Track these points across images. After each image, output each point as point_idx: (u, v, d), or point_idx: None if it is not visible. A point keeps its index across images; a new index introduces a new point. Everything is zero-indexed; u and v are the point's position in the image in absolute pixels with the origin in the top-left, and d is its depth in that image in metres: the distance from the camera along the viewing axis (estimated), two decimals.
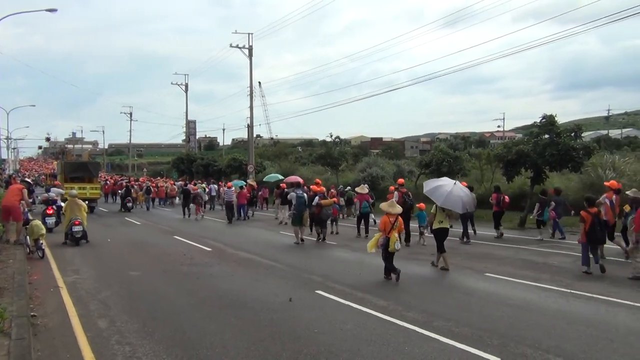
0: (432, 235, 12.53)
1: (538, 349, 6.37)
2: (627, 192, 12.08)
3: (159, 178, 55.61)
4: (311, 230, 17.68)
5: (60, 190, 21.52)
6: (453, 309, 8.35)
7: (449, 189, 11.97)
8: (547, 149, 21.05)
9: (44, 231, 13.78)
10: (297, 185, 18.47)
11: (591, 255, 11.37)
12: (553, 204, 16.55)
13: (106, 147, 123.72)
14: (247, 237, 18.89)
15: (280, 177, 31.88)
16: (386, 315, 7.86)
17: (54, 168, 42.56)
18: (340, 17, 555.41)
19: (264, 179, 35.35)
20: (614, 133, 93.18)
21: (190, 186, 30.89)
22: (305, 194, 16.90)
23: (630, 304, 8.58)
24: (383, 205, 11.22)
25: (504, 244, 15.93)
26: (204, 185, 34.68)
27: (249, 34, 42.51)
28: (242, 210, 25.57)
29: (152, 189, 36.01)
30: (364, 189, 18.62)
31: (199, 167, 53.28)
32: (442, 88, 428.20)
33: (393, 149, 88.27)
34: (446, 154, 27.47)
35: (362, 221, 18.20)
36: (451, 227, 12.81)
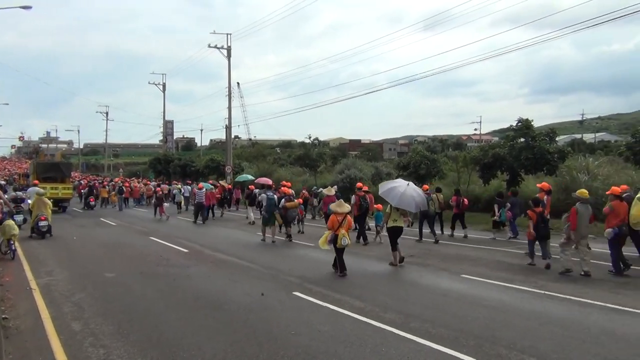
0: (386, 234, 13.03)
1: (513, 349, 6.45)
2: (573, 194, 12.58)
3: (134, 178, 54.95)
4: (280, 230, 17.82)
5: (40, 190, 21.27)
6: (429, 310, 8.42)
7: (402, 190, 12.66)
8: (522, 153, 21.39)
9: (16, 231, 13.65)
10: (267, 187, 19.28)
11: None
12: (509, 204, 17.09)
13: (82, 146, 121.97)
14: (223, 238, 18.81)
15: (251, 178, 31.94)
16: (363, 317, 7.88)
17: (27, 168, 42.08)
18: (320, 19, 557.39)
19: (234, 180, 35.47)
20: (588, 137, 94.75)
21: (164, 186, 30.93)
22: (275, 196, 17.60)
23: (602, 305, 8.73)
24: (332, 206, 12.09)
25: (479, 245, 16.08)
26: (179, 186, 34.57)
27: (227, 34, 42.45)
28: (210, 211, 26.08)
29: (124, 189, 35.66)
30: (331, 190, 19.22)
31: (176, 168, 52.87)
32: (421, 91, 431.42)
33: (371, 151, 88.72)
34: (424, 157, 27.59)
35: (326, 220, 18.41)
36: (411, 226, 14.08)
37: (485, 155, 22.95)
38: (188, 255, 14.37)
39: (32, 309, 8.50)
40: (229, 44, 42.16)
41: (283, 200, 17.39)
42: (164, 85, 62.39)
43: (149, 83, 62.69)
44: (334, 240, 11.38)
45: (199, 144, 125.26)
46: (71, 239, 17.76)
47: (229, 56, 42.37)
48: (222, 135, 73.18)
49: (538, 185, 15.76)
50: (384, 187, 13.35)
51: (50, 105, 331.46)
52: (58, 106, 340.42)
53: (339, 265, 11.37)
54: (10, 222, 13.83)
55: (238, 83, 67.99)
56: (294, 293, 9.56)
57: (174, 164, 54.12)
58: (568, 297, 9.30)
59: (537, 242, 12.52)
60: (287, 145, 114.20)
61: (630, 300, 9.09)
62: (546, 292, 9.65)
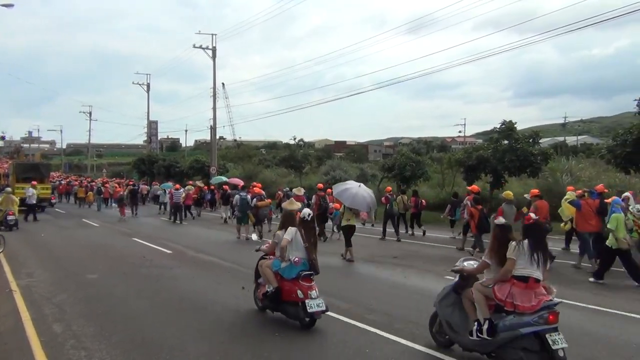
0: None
1: None
2: (524, 196, 13.90)
3: (115, 179, 54.60)
4: (254, 228, 17.86)
5: (8, 189, 22.52)
6: (414, 311, 8.43)
7: (355, 191, 13.54)
8: (506, 155, 21.57)
9: None
10: (240, 187, 20.34)
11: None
12: (463, 204, 17.31)
13: (64, 147, 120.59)
14: (205, 238, 18.77)
15: (225, 179, 32.09)
16: (348, 318, 7.89)
17: (8, 168, 42.17)
18: (306, 20, 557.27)
19: (209, 181, 35.69)
20: (571, 140, 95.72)
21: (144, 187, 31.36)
22: (248, 195, 18.64)
23: (584, 306, 8.85)
24: (284, 204, 12.06)
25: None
26: (159, 186, 34.80)
27: (212, 34, 42.28)
28: (187, 211, 26.77)
29: (103, 190, 35.45)
30: (300, 190, 20.33)
31: (160, 169, 52.49)
32: (406, 93, 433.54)
33: (356, 152, 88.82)
34: (409, 158, 27.67)
35: None
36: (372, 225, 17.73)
37: (470, 158, 23.09)
38: (171, 256, 14.27)
39: (12, 310, 8.38)
40: (214, 45, 42.05)
41: (255, 199, 18.16)
42: (148, 86, 61.92)
43: (133, 83, 62.11)
44: None
45: (183, 145, 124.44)
46: (51, 241, 17.53)
47: (214, 57, 42.23)
48: (207, 136, 72.77)
49: (468, 187, 17.64)
50: (338, 188, 14.18)
51: (33, 104, 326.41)
52: (41, 106, 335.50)
53: None
54: None
55: (223, 84, 67.35)
56: None
57: (158, 164, 53.72)
58: None
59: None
60: (272, 146, 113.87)
61: (610, 301, 9.24)
62: None
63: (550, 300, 5.80)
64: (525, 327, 5.61)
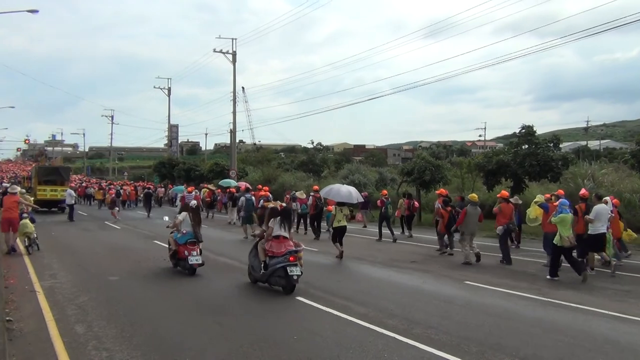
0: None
1: (516, 356, 6.43)
2: (510, 200, 14.56)
3: (124, 181, 55.68)
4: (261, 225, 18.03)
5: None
6: (433, 316, 8.39)
7: (338, 187, 16.13)
8: (526, 159, 21.36)
9: (29, 229, 15.04)
10: (245, 190, 21.42)
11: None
12: (436, 207, 17.59)
13: (87, 150, 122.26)
14: (221, 240, 19.01)
15: (234, 182, 32.39)
16: (366, 323, 7.87)
17: (30, 171, 43.79)
18: (324, 26, 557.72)
19: (218, 184, 36.20)
20: (593, 144, 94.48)
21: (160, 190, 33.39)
22: (253, 197, 20.11)
23: (606, 313, 8.71)
24: (269, 204, 14.43)
25: (483, 252, 16.02)
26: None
27: (232, 39, 42.66)
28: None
29: (121, 192, 36.88)
30: (302, 194, 22.64)
31: (180, 172, 52.92)
32: (425, 97, 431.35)
33: (375, 156, 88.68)
34: (428, 162, 27.47)
35: (302, 220, 22.47)
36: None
37: (490, 162, 22.92)
38: None
39: (36, 311, 8.52)
40: (234, 49, 42.40)
41: (262, 200, 18.97)
42: (169, 90, 62.51)
43: (154, 87, 62.76)
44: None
45: (203, 148, 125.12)
46: (78, 243, 17.78)
47: (234, 61, 42.54)
48: (226, 140, 73.40)
49: (437, 192, 19.01)
50: (324, 190, 16.70)
51: (56, 108, 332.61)
52: (64, 110, 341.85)
53: None
54: (24, 221, 15.12)
55: (243, 88, 68.34)
56: (297, 298, 9.55)
57: (178, 167, 54.19)
58: (572, 305, 9.28)
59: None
60: (291, 150, 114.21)
61: (634, 308, 9.07)
62: (550, 300, 9.63)
63: (293, 248, 10.08)
64: (278, 264, 9.83)
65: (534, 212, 14.26)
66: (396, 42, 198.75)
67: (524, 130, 22.91)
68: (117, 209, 29.47)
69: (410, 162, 32.30)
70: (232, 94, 43.40)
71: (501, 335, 7.36)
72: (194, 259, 11.61)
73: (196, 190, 29.13)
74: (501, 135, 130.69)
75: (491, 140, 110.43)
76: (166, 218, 15.51)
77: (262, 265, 10.12)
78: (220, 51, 42.40)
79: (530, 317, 8.42)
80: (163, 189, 43.10)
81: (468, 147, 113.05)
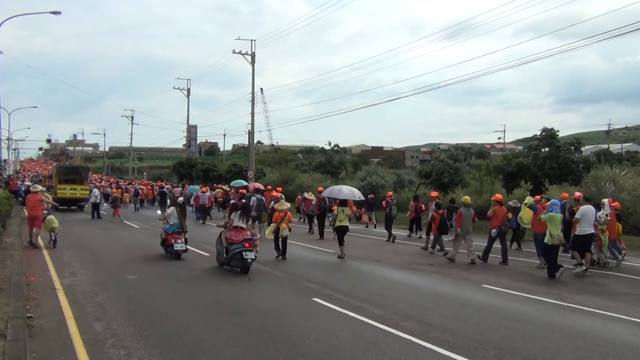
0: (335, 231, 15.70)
1: None
2: (509, 202, 15.22)
3: (143, 181, 56.34)
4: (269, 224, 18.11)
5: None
6: (449, 319, 8.35)
7: (340, 187, 17.21)
8: (547, 162, 21.14)
9: (55, 225, 15.87)
10: (256, 190, 21.93)
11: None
12: (431, 209, 17.72)
13: (107, 150, 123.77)
14: None
15: (245, 183, 32.59)
16: (382, 325, 7.85)
17: (51, 170, 44.70)
18: (343, 27, 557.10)
19: (230, 184, 36.52)
20: (615, 147, 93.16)
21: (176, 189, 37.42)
22: (263, 198, 20.48)
23: (627, 319, 8.58)
24: (275, 205, 15.70)
25: (498, 255, 15.89)
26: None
27: (252, 40, 42.77)
28: (207, 213, 28.74)
29: (140, 192, 38.52)
30: (311, 195, 23.76)
31: (199, 172, 53.30)
32: (444, 99, 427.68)
33: (393, 158, 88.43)
34: (447, 165, 27.27)
35: (307, 219, 23.66)
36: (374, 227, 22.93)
37: (509, 164, 22.73)
38: (209, 259, 14.43)
39: (56, 308, 8.64)
40: (253, 50, 42.53)
41: (272, 201, 19.29)
42: (188, 91, 63.01)
43: (173, 88, 63.37)
44: (277, 231, 14.56)
45: (221, 149, 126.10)
46: (98, 242, 18.01)
47: (253, 62, 42.69)
48: (244, 141, 73.78)
49: (431, 194, 19.53)
50: (326, 190, 18.53)
51: (78, 108, 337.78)
52: (85, 110, 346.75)
53: (282, 252, 14.60)
54: (51, 217, 16.07)
55: (261, 89, 68.47)
56: (313, 299, 9.56)
57: (197, 168, 54.58)
58: (591, 309, 9.16)
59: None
60: (309, 151, 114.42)
61: None
62: (569, 305, 9.52)
63: (249, 237, 12.11)
64: (236, 249, 11.80)
65: (526, 214, 14.79)
66: (416, 43, 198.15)
67: (544, 133, 22.67)
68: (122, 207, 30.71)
69: (428, 164, 32.13)
70: (250, 95, 43.65)
71: (518, 339, 7.29)
72: (178, 246, 13.93)
73: (210, 191, 29.66)
74: (521, 138, 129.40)
75: (510, 142, 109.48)
76: (159, 212, 16.92)
77: (224, 250, 12.17)
78: (240, 52, 42.60)
79: (548, 322, 8.33)
80: (180, 189, 43.59)
81: (487, 149, 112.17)
